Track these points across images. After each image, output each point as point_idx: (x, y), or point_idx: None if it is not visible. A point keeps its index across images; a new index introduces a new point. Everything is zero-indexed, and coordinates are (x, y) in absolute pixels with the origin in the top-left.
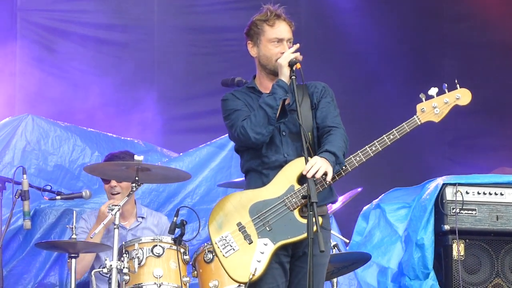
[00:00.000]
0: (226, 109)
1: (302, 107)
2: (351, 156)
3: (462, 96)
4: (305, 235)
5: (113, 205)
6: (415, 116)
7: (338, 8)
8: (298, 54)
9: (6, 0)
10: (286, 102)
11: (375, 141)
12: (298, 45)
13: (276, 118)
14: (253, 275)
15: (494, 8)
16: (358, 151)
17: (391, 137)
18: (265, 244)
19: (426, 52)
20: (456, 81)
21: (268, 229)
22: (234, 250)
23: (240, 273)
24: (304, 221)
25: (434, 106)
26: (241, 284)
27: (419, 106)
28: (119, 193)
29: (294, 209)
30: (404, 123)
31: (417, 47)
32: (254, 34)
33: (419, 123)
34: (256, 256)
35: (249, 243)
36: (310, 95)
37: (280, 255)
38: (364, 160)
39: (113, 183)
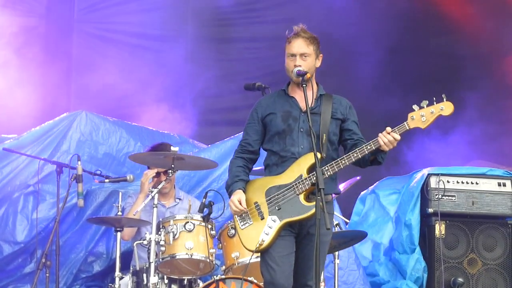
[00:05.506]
0: (249, 116)
1: (324, 113)
2: (356, 149)
3: (446, 108)
4: (306, 214)
5: (153, 188)
6: (405, 123)
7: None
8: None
9: (65, 13)
10: (304, 109)
11: (370, 141)
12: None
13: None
14: (260, 244)
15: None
16: (356, 149)
17: None
18: (274, 221)
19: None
20: (443, 95)
21: (277, 209)
22: (249, 224)
23: (250, 243)
24: (307, 204)
25: (422, 115)
26: (259, 256)
27: (410, 115)
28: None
29: (300, 193)
30: (395, 128)
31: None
32: (284, 49)
33: (408, 128)
34: (265, 229)
35: (261, 219)
36: (333, 105)
37: (288, 231)
38: (367, 152)
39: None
